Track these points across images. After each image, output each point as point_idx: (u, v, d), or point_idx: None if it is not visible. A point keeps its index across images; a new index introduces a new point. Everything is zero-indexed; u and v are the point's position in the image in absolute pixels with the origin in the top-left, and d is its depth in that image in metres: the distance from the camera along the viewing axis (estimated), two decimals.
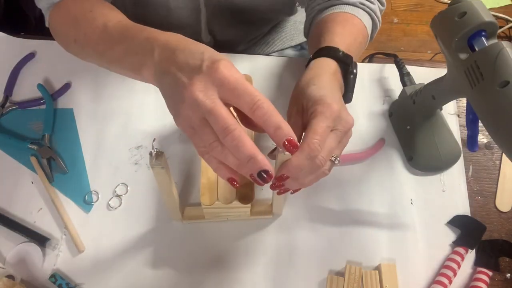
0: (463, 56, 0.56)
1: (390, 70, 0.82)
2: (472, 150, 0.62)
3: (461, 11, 0.55)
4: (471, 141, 0.62)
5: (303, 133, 0.53)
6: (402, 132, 0.75)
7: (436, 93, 0.66)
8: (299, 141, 0.53)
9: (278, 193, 0.56)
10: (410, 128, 0.73)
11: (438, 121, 0.74)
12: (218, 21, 0.85)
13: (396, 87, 0.81)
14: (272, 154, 0.54)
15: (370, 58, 0.89)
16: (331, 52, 0.61)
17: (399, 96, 0.77)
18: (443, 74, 0.82)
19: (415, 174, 0.74)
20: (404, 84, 0.76)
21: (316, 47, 0.63)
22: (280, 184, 0.53)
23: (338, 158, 0.54)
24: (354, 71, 0.62)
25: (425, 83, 0.69)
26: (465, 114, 0.79)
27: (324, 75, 0.58)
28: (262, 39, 0.97)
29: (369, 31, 0.71)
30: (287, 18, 0.97)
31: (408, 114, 0.74)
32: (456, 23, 0.55)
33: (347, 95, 0.62)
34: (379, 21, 0.73)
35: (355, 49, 0.66)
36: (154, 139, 0.53)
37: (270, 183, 0.52)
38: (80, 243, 0.67)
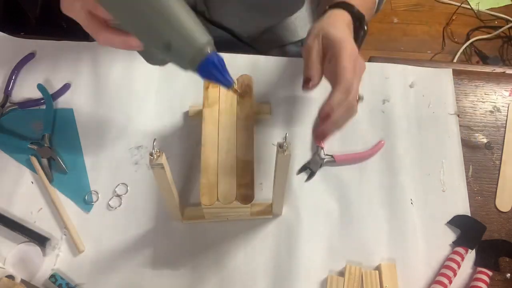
0: None
1: (390, 70, 0.82)
2: None
3: None
4: None
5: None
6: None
7: None
8: (319, 75, 0.60)
9: (317, 141, 0.60)
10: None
11: None
12: (221, 11, 0.85)
13: (396, 87, 0.81)
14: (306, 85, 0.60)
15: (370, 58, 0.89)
16: (347, 7, 0.63)
17: None
18: (443, 74, 0.83)
19: (415, 174, 0.74)
20: None
21: (329, 3, 0.66)
22: (321, 131, 0.58)
23: (361, 96, 0.60)
24: (365, 28, 0.64)
25: None
26: (465, 114, 0.80)
27: (342, 22, 0.62)
28: (262, 35, 0.97)
29: (376, 3, 0.73)
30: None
31: None
32: None
33: None
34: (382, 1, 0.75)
35: (365, 10, 0.68)
36: (155, 139, 0.53)
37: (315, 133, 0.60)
38: (80, 243, 0.67)
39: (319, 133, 0.59)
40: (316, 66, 0.60)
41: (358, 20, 0.64)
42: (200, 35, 0.47)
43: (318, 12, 0.77)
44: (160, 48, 0.47)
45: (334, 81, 0.57)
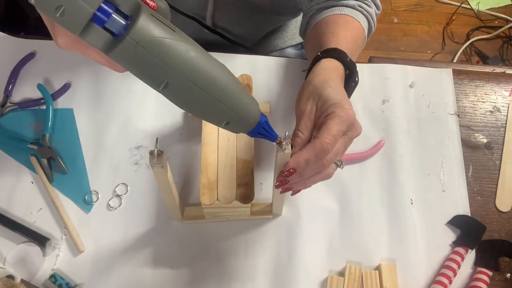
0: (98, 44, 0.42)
1: (390, 70, 0.82)
2: None
3: None
4: None
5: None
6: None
7: None
8: (309, 138, 0.55)
9: (281, 192, 0.57)
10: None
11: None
12: (224, 15, 0.85)
13: (396, 87, 0.81)
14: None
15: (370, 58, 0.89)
16: (340, 56, 0.61)
17: None
18: (443, 74, 0.83)
19: (415, 174, 0.74)
20: None
21: (319, 47, 0.64)
22: (285, 180, 0.54)
23: (342, 163, 0.56)
24: (357, 79, 0.62)
25: None
26: (465, 114, 0.80)
27: (336, 78, 0.59)
28: (263, 38, 0.98)
29: (366, 35, 0.71)
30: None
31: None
32: None
33: None
34: (374, 24, 0.74)
35: (355, 54, 0.68)
36: (157, 138, 0.53)
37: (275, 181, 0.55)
38: (80, 243, 0.67)
39: (281, 185, 0.55)
40: (303, 134, 0.55)
41: (349, 69, 0.61)
42: (253, 109, 0.50)
43: (307, 50, 0.74)
44: (217, 125, 0.50)
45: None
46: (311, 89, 0.57)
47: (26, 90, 0.79)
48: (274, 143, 0.53)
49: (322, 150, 0.51)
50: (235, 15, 0.86)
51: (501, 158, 0.76)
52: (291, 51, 1.00)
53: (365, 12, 0.70)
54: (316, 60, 0.62)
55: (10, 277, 0.63)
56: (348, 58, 0.61)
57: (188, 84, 0.44)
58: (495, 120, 0.80)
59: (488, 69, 0.86)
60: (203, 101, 0.46)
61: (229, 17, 0.86)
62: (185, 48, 0.43)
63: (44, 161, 0.72)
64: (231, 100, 0.47)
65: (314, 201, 0.71)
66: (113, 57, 0.43)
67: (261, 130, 0.51)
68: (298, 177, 0.54)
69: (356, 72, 0.62)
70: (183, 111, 0.77)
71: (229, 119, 0.49)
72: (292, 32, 0.99)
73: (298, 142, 0.54)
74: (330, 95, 0.55)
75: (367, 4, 0.71)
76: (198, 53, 0.44)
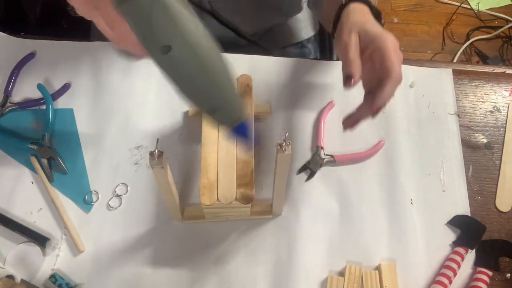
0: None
1: None
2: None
3: None
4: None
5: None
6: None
7: None
8: (359, 72, 0.60)
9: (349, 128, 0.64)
10: None
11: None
12: (224, 3, 0.85)
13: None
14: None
15: None
16: (366, 1, 0.65)
17: None
18: (443, 74, 0.83)
19: (415, 174, 0.74)
20: None
21: None
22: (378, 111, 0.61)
23: None
24: (382, 22, 0.66)
25: None
26: (465, 114, 0.80)
27: (371, 17, 0.64)
28: (263, 36, 0.98)
29: None
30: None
31: None
32: None
33: None
34: None
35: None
36: (158, 139, 0.53)
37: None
38: (80, 243, 0.67)
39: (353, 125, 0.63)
40: (357, 62, 0.60)
41: (375, 15, 0.65)
42: (241, 107, 0.50)
43: (324, 11, 0.77)
44: (205, 110, 0.49)
45: (384, 75, 0.59)
46: (351, 23, 0.62)
47: (26, 90, 0.79)
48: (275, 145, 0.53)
49: (398, 78, 0.59)
50: (235, 8, 0.86)
51: (501, 158, 0.76)
52: (292, 49, 1.00)
53: None
54: (342, 7, 0.65)
55: (10, 277, 0.63)
56: (373, 4, 0.65)
57: (191, 54, 0.43)
58: (495, 120, 0.80)
59: (488, 69, 0.86)
60: (200, 77, 0.45)
61: (230, 11, 0.86)
62: (197, 24, 0.43)
63: (44, 161, 0.72)
64: (227, 86, 0.47)
65: (314, 201, 0.71)
66: (124, 10, 0.41)
67: (244, 131, 0.51)
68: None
69: (381, 16, 0.66)
70: (183, 111, 0.77)
71: (218, 105, 0.48)
72: (291, 31, 0.99)
73: (356, 68, 0.59)
74: (373, 29, 0.61)
75: None
76: (207, 32, 0.45)
